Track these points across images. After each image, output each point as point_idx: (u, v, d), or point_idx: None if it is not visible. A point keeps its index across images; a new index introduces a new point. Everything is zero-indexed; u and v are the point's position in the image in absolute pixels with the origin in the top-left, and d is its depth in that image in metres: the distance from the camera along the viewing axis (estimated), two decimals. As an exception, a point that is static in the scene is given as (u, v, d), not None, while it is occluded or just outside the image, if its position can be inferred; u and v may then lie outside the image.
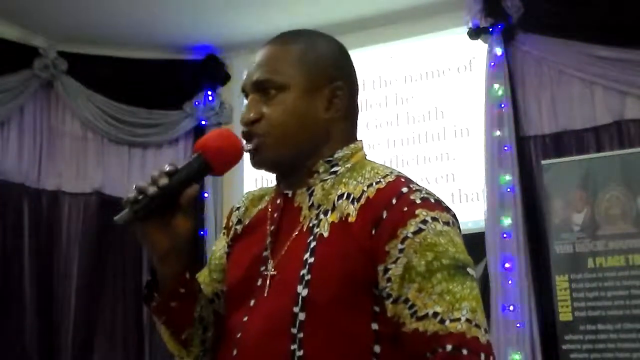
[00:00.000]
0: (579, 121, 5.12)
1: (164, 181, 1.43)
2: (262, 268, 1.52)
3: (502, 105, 5.23)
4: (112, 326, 5.87)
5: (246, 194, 1.73)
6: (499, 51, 5.30)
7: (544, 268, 4.85)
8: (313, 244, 1.45)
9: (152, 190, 1.41)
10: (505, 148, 5.15)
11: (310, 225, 1.49)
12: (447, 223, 1.44)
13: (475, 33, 5.41)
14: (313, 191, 1.54)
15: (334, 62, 1.60)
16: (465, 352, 1.32)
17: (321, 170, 1.55)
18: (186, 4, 5.60)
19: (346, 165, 1.56)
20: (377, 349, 1.41)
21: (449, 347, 1.33)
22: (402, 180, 1.49)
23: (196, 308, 1.55)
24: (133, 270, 6.02)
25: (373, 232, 1.42)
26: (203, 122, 6.31)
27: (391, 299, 1.39)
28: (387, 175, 1.50)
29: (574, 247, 4.66)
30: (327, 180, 1.54)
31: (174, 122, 6.24)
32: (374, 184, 1.48)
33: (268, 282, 1.49)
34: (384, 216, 1.42)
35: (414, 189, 1.46)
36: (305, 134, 1.53)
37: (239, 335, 1.48)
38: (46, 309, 5.67)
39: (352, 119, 1.61)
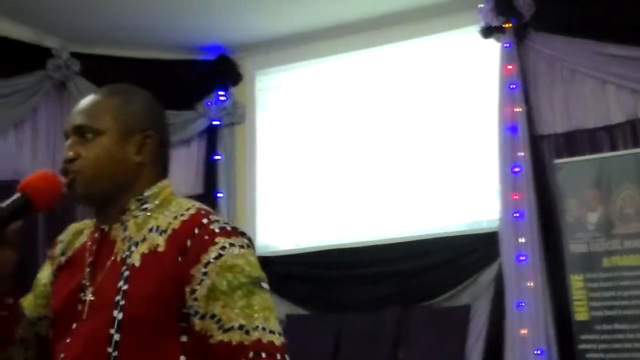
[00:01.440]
0: (592, 120, 5.10)
1: None
2: (82, 294, 1.69)
3: (515, 104, 5.22)
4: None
5: (70, 227, 1.89)
6: (511, 50, 5.29)
7: (559, 267, 4.84)
8: (126, 273, 1.65)
9: None
10: (519, 147, 5.14)
11: (123, 256, 1.68)
12: (242, 246, 1.66)
13: (487, 32, 5.39)
14: (126, 226, 1.72)
15: (147, 114, 1.80)
16: (264, 355, 1.57)
17: (133, 207, 1.74)
18: (198, 5, 5.61)
19: (155, 202, 1.75)
20: (182, 359, 1.62)
21: (251, 354, 1.56)
22: (203, 212, 1.70)
23: (18, 330, 1.74)
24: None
25: (179, 259, 1.63)
26: (216, 122, 6.32)
27: (199, 316, 1.61)
28: (189, 208, 1.71)
29: (588, 246, 4.65)
30: (138, 216, 1.73)
31: (187, 122, 6.24)
32: (178, 216, 1.70)
33: (86, 307, 1.68)
34: (188, 244, 1.63)
35: (212, 219, 1.67)
36: (116, 174, 1.73)
37: (62, 356, 1.67)
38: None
39: (161, 162, 1.80)
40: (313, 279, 5.86)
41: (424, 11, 5.70)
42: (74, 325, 1.67)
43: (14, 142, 5.76)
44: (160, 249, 1.65)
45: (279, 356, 1.59)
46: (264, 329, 1.59)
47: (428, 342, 5.19)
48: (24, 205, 1.65)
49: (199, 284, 1.61)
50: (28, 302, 1.83)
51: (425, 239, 5.59)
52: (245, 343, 1.57)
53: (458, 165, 5.64)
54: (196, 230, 1.65)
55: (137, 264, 1.65)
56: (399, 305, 5.44)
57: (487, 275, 5.31)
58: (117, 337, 1.60)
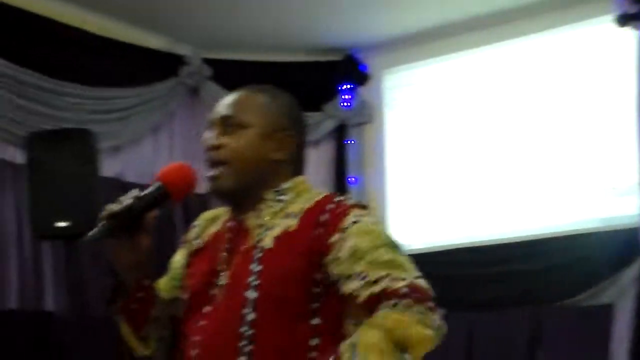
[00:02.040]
0: None
1: (128, 201, 1.70)
2: (216, 280, 1.77)
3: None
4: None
5: (203, 214, 1.97)
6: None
7: None
8: (259, 254, 1.72)
9: (116, 208, 1.69)
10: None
11: (257, 240, 1.76)
12: (375, 221, 1.74)
13: (623, 20, 5.20)
14: (262, 215, 1.80)
15: (289, 115, 1.88)
16: (417, 294, 1.61)
17: (270, 197, 1.81)
18: (324, 6, 5.66)
19: (291, 195, 1.82)
20: (314, 341, 1.68)
21: (404, 290, 1.60)
22: (335, 194, 1.82)
23: (153, 310, 1.84)
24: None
25: (314, 232, 1.70)
26: (344, 123, 6.36)
27: (344, 278, 1.65)
28: (321, 193, 1.82)
29: None
30: (273, 206, 1.80)
31: (316, 124, 6.32)
32: (312, 200, 1.78)
33: (221, 291, 1.75)
34: (322, 219, 1.71)
35: (345, 197, 1.78)
36: (255, 168, 1.80)
37: (197, 338, 1.74)
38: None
39: (297, 162, 1.88)
40: (443, 278, 5.77)
41: (554, 2, 5.55)
42: (207, 309, 1.76)
43: (151, 148, 5.97)
44: (292, 229, 1.73)
45: (429, 297, 1.65)
46: (415, 277, 1.65)
47: (567, 343, 5.05)
48: (160, 196, 1.74)
49: (340, 249, 1.67)
50: (164, 284, 1.93)
51: (559, 236, 5.45)
52: (395, 286, 1.61)
53: (593, 159, 5.46)
54: (329, 206, 1.73)
55: (270, 246, 1.73)
56: (533, 304, 5.32)
57: (629, 274, 5.12)
58: (252, 316, 1.67)
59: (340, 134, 6.42)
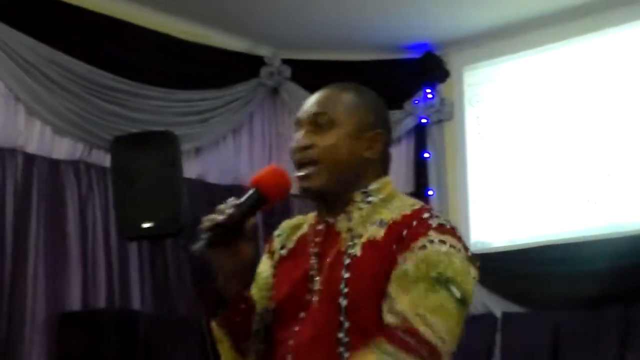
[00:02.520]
0: None
1: (229, 211, 1.66)
2: (310, 285, 1.74)
3: None
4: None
5: (284, 222, 1.93)
6: None
7: None
8: (347, 261, 1.70)
9: (220, 218, 1.65)
10: None
11: (347, 246, 1.73)
12: (452, 246, 1.66)
13: None
14: (351, 218, 1.76)
15: (378, 113, 1.85)
16: (412, 341, 1.58)
17: (358, 199, 1.78)
18: (403, 4, 5.63)
19: (379, 196, 1.79)
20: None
21: (399, 334, 1.59)
22: (426, 208, 1.75)
23: (254, 322, 1.79)
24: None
25: (394, 247, 1.67)
26: (424, 120, 6.32)
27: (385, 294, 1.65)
28: (414, 204, 1.76)
29: None
30: (362, 208, 1.77)
31: (395, 122, 6.28)
32: (401, 211, 1.74)
33: (316, 296, 1.72)
34: (404, 234, 1.68)
35: (433, 215, 1.71)
36: (347, 167, 1.76)
37: (290, 343, 1.71)
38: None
39: (385, 161, 1.85)
40: (529, 275, 5.71)
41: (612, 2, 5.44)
42: (302, 314, 1.72)
43: (232, 149, 6.04)
44: (378, 239, 1.71)
45: (425, 351, 1.58)
46: (426, 323, 1.60)
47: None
48: (258, 201, 1.72)
49: (397, 267, 1.66)
50: (255, 295, 1.86)
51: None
52: (397, 324, 1.61)
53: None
54: (414, 223, 1.69)
55: (358, 254, 1.70)
56: (622, 303, 5.19)
57: None
58: (346, 323, 1.66)
59: (420, 131, 6.38)
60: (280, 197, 1.75)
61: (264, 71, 6.14)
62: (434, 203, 6.18)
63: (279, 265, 1.86)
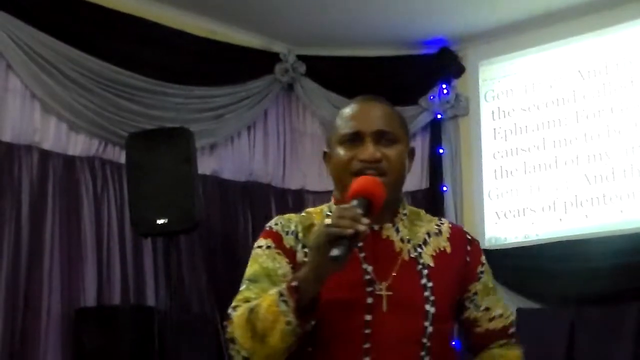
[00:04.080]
0: None
1: (365, 221, 1.65)
2: (370, 289, 1.80)
3: None
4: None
5: (284, 219, 1.94)
6: None
7: None
8: (425, 271, 1.85)
9: (362, 228, 1.63)
10: None
11: (412, 256, 1.86)
12: None
13: None
14: (397, 227, 1.90)
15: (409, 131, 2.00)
16: (514, 329, 2.00)
17: (401, 210, 1.93)
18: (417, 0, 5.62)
19: (406, 209, 1.96)
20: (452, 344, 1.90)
21: (511, 330, 1.99)
22: (456, 225, 2.05)
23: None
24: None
25: (467, 259, 1.93)
26: (439, 116, 6.30)
27: (474, 307, 1.94)
28: (441, 219, 2.02)
29: None
30: (404, 219, 1.92)
31: (411, 117, 6.27)
32: (440, 224, 1.98)
33: (385, 300, 1.79)
34: (469, 249, 1.95)
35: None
36: (402, 181, 1.92)
37: (367, 346, 1.77)
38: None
39: None
40: (544, 271, 5.69)
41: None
42: (369, 317, 1.78)
43: (246, 145, 6.04)
44: (448, 251, 1.91)
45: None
46: (511, 314, 2.01)
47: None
48: (367, 210, 1.70)
49: (478, 280, 1.94)
50: (267, 291, 1.83)
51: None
52: (506, 325, 1.98)
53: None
54: (469, 237, 1.99)
55: (431, 264, 1.86)
56: (638, 299, 5.15)
57: None
58: (430, 329, 1.80)
59: (436, 127, 6.36)
60: (380, 207, 1.76)
61: (278, 67, 6.14)
62: (448, 199, 6.17)
63: None
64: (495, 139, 6.22)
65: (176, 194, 4.71)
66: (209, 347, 4.93)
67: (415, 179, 6.26)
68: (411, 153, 1.95)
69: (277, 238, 1.90)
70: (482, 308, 1.94)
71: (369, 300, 1.79)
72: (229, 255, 5.73)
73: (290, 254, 1.88)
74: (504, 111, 6.21)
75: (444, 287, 1.85)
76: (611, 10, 5.65)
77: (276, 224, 1.93)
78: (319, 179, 6.23)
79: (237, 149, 5.97)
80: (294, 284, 1.70)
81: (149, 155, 4.78)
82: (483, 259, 1.98)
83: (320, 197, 6.24)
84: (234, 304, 1.82)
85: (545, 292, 5.66)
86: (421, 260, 1.86)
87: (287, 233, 1.91)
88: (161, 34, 5.52)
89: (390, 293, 1.79)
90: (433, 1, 5.65)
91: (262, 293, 1.80)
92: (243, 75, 5.97)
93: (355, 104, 1.93)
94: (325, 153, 1.98)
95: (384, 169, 1.83)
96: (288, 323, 1.69)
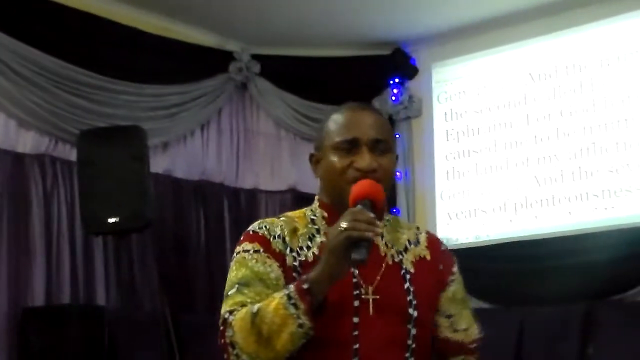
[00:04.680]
0: None
1: (379, 223, 1.71)
2: (357, 292, 1.82)
3: None
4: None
5: (269, 223, 1.92)
6: None
7: None
8: (408, 276, 1.89)
9: (380, 231, 1.71)
10: None
11: (396, 260, 1.91)
12: None
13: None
14: (382, 232, 1.89)
15: None
16: (476, 345, 2.01)
17: (386, 217, 1.96)
18: (371, 1, 5.64)
19: (389, 216, 2.01)
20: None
21: (472, 345, 2.01)
22: (431, 233, 2.06)
23: None
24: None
25: (440, 267, 1.97)
26: (392, 117, 6.34)
27: (440, 313, 1.96)
28: (417, 227, 2.05)
29: None
30: (387, 225, 1.95)
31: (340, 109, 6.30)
32: (417, 232, 2.01)
33: (371, 304, 1.82)
34: (442, 256, 1.99)
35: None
36: (390, 188, 1.95)
37: (356, 347, 1.79)
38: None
39: None
40: (494, 272, 5.75)
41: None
42: (356, 319, 1.80)
43: (200, 144, 6.01)
44: (427, 258, 1.95)
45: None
46: (477, 330, 2.03)
47: (621, 339, 4.96)
48: (372, 213, 1.74)
49: (446, 289, 1.96)
50: (262, 296, 1.81)
51: (612, 230, 5.36)
52: (466, 341, 1.99)
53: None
54: (442, 247, 2.02)
55: (412, 270, 1.90)
56: (586, 299, 5.24)
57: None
58: (414, 331, 1.85)
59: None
60: (382, 208, 1.84)
61: (232, 66, 6.12)
62: (401, 199, 6.21)
63: (303, 269, 1.83)
64: (447, 140, 6.27)
65: (128, 192, 4.68)
66: (161, 346, 4.89)
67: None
68: (397, 160, 1.98)
69: (264, 242, 1.88)
70: (445, 314, 1.96)
71: (356, 303, 1.81)
72: (181, 254, 5.71)
73: (279, 257, 1.86)
74: (456, 113, 6.27)
75: (425, 293, 1.89)
76: (561, 14, 5.74)
77: (260, 228, 1.90)
78: (271, 178, 6.24)
79: (190, 148, 5.94)
80: (305, 286, 1.70)
81: (101, 153, 4.74)
82: (455, 269, 2.00)
83: (273, 196, 6.24)
84: (228, 308, 1.79)
85: (495, 292, 5.72)
86: (404, 266, 1.90)
87: (274, 237, 1.89)
88: (114, 31, 5.47)
89: (376, 297, 1.82)
90: (387, 3, 5.68)
91: (257, 297, 1.79)
92: (197, 74, 5.94)
93: (348, 111, 1.93)
94: (312, 155, 1.97)
95: (379, 178, 1.84)
96: (300, 326, 1.69)
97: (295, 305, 1.69)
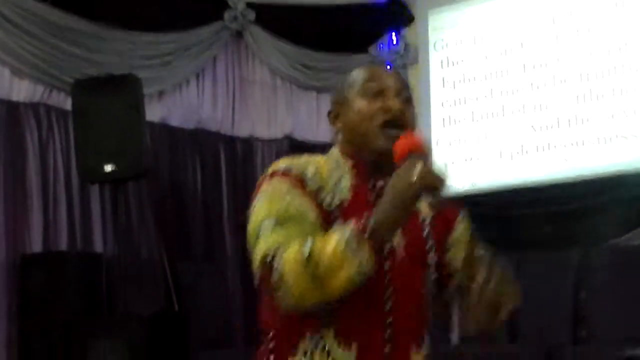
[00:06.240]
0: None
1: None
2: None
3: None
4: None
5: (298, 164, 1.83)
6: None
7: None
8: (426, 222, 1.89)
9: (449, 178, 1.69)
10: None
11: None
12: None
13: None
14: None
15: None
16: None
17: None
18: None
19: None
20: None
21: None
22: None
23: None
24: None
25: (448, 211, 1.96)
26: (388, 65, 6.31)
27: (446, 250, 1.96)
28: None
29: None
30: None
31: (360, 65, 6.27)
32: None
33: (397, 251, 1.80)
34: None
35: None
36: None
37: (389, 291, 1.79)
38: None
39: None
40: (489, 218, 5.77)
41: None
42: (387, 265, 1.78)
43: (195, 92, 5.99)
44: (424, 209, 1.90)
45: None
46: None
47: (614, 284, 5.01)
48: None
49: (452, 233, 1.97)
50: (305, 234, 1.72)
51: (609, 176, 5.39)
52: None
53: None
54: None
55: (429, 215, 1.90)
56: (580, 244, 5.29)
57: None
58: (432, 277, 1.88)
59: (385, 76, 6.37)
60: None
61: (227, 14, 6.06)
62: (396, 147, 6.21)
63: (342, 214, 1.78)
64: (443, 87, 6.25)
65: (123, 141, 4.68)
66: (158, 292, 4.94)
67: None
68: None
69: (298, 180, 1.80)
70: (451, 250, 1.95)
71: (386, 247, 1.76)
72: (178, 202, 5.73)
73: (315, 198, 1.79)
74: (452, 60, 6.24)
75: (438, 240, 1.90)
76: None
77: (291, 167, 1.82)
78: (267, 126, 6.23)
79: (185, 97, 5.92)
80: (368, 227, 1.65)
81: (96, 101, 4.73)
82: (462, 214, 1.99)
83: (269, 144, 6.24)
84: (271, 247, 1.70)
85: (489, 239, 5.75)
86: (421, 214, 1.88)
87: (307, 176, 1.81)
88: (108, -21, 5.42)
89: (402, 243, 1.81)
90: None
91: (299, 235, 1.70)
92: (192, 22, 5.88)
93: (371, 66, 2.03)
94: (330, 112, 1.95)
95: (406, 122, 1.84)
96: (361, 268, 1.64)
97: (356, 247, 1.63)
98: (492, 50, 6.06)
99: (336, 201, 1.80)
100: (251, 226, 1.79)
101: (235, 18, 6.08)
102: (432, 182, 1.65)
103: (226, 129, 6.12)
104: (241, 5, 6.09)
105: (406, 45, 6.36)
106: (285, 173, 1.80)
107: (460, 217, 2.00)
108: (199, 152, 5.92)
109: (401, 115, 1.84)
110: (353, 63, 6.27)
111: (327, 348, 1.75)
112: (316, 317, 1.74)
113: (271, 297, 1.70)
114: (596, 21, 5.64)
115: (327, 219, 1.76)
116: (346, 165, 1.87)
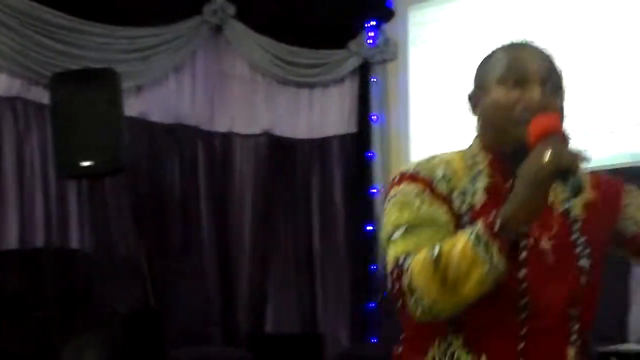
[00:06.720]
0: None
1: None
2: (523, 242, 1.64)
3: None
4: (285, 255, 6.19)
5: (427, 165, 1.74)
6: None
7: None
8: (577, 225, 1.71)
9: (588, 157, 1.56)
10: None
11: (565, 207, 1.72)
12: None
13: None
14: None
15: None
16: None
17: None
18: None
19: None
20: None
21: None
22: None
23: None
24: (304, 206, 6.22)
25: (618, 204, 1.79)
26: (368, 60, 6.31)
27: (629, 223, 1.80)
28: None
29: None
30: None
31: (340, 61, 6.27)
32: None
33: (540, 255, 1.66)
34: (609, 189, 1.80)
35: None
36: None
37: (524, 301, 1.65)
38: (222, 241, 5.95)
39: None
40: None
41: None
42: (523, 272, 1.64)
43: (174, 87, 5.95)
44: (596, 200, 1.75)
45: None
46: None
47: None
48: None
49: (625, 210, 1.79)
50: (436, 239, 1.64)
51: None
52: None
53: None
54: (611, 180, 1.84)
55: (583, 216, 1.73)
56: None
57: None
58: (583, 282, 1.68)
59: (364, 71, 6.37)
60: None
61: (207, 8, 6.02)
62: (376, 142, 6.23)
63: (473, 215, 1.67)
64: (423, 83, 6.26)
65: (101, 136, 4.65)
66: (135, 289, 4.92)
67: (344, 124, 6.30)
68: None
69: (427, 184, 1.71)
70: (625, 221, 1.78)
71: (523, 254, 1.64)
72: (155, 198, 5.71)
73: (445, 201, 1.69)
74: (432, 56, 6.25)
75: (596, 241, 1.71)
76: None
77: (419, 170, 1.73)
78: (247, 122, 6.21)
79: (164, 91, 5.88)
80: (497, 223, 1.53)
81: (74, 96, 4.69)
82: (626, 188, 1.80)
83: (248, 140, 6.22)
84: (401, 252, 1.63)
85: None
86: (572, 213, 1.72)
87: (436, 179, 1.72)
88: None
89: (545, 248, 1.68)
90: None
91: (430, 240, 1.62)
92: (170, 16, 5.85)
93: (516, 45, 1.82)
94: (470, 97, 1.85)
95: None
96: (492, 268, 1.54)
97: (486, 246, 1.53)
98: (472, 47, 6.07)
99: (468, 204, 1.70)
100: (382, 235, 1.71)
101: (214, 12, 6.04)
102: (567, 163, 1.51)
103: (205, 124, 6.09)
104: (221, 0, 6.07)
105: (386, 41, 6.36)
106: (413, 176, 1.71)
107: (624, 191, 1.80)
108: (177, 147, 5.89)
109: (542, 110, 1.65)
110: (333, 58, 6.26)
111: (455, 356, 1.67)
112: (445, 323, 1.66)
113: (404, 306, 1.61)
114: (578, 18, 5.66)
115: (459, 223, 1.67)
116: (485, 160, 1.76)
